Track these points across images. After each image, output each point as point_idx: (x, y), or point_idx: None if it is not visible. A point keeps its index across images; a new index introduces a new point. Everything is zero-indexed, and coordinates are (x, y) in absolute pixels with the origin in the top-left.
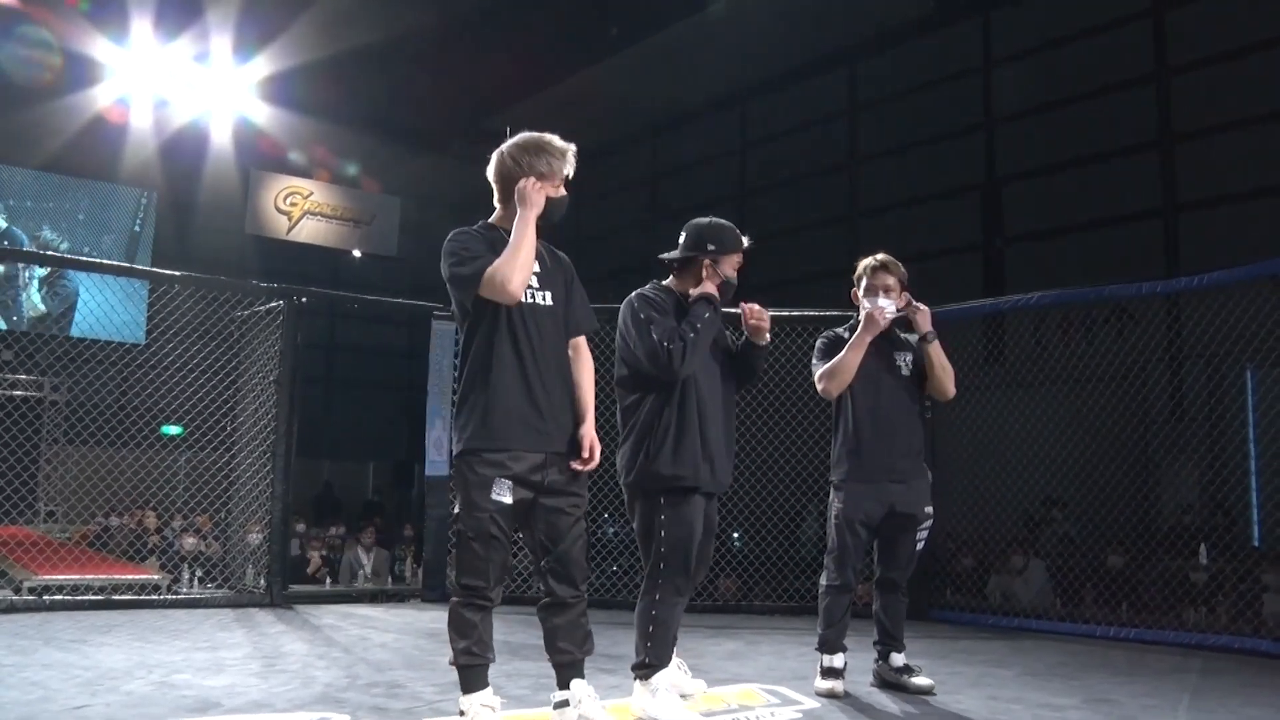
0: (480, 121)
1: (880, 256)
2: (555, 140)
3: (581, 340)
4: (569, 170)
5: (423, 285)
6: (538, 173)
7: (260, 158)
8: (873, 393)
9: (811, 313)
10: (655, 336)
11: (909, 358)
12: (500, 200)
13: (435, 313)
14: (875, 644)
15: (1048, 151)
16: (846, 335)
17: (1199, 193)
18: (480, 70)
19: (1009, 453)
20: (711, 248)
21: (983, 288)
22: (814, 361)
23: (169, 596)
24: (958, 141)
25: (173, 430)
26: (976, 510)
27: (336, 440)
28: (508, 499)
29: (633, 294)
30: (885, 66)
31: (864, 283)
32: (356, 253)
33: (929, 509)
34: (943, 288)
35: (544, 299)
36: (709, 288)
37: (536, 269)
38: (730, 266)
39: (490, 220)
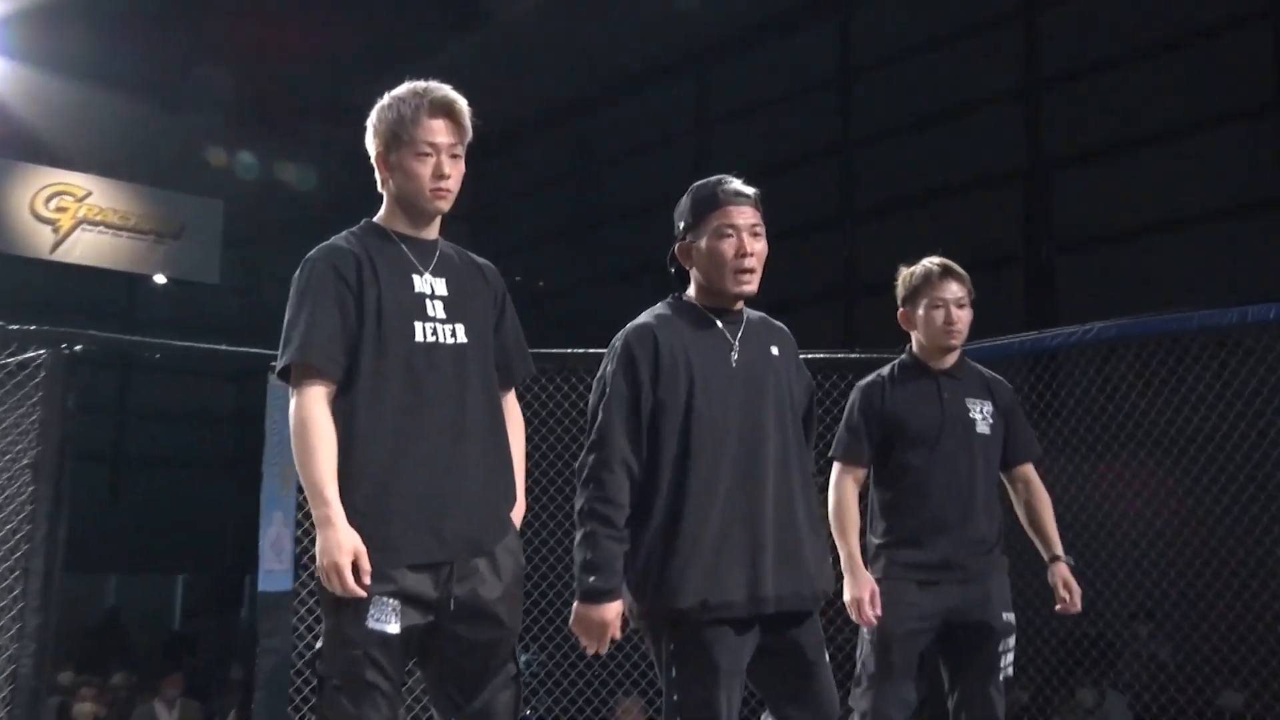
0: (338, 95)
1: (939, 261)
2: (411, 85)
3: (511, 394)
4: (437, 123)
5: (256, 324)
6: (391, 137)
7: (2, 142)
8: (944, 466)
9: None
10: (594, 453)
11: (988, 409)
12: (381, 185)
13: (273, 364)
14: None
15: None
16: (885, 380)
17: None
18: (337, 31)
19: (1072, 544)
20: (680, 226)
21: (1024, 311)
22: (850, 419)
23: None
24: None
25: None
26: (1031, 624)
27: (129, 546)
28: (393, 627)
29: (631, 328)
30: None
31: (924, 296)
32: (160, 278)
33: (1009, 616)
34: (976, 316)
35: (450, 335)
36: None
37: (442, 292)
38: (713, 234)
39: (375, 218)
